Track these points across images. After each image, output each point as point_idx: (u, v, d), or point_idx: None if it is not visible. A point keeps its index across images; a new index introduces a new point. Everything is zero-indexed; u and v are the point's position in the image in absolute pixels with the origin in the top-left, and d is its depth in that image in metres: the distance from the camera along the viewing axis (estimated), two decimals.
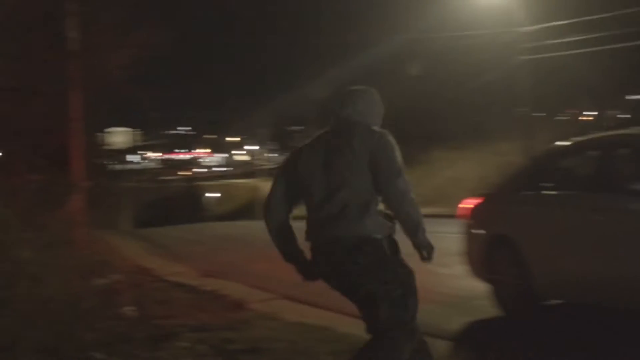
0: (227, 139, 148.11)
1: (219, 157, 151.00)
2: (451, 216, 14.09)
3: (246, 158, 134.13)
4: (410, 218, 5.91)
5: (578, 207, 9.62)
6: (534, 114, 48.73)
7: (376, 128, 6.03)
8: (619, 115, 61.34)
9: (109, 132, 63.83)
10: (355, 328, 10.04)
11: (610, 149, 9.91)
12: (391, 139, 5.94)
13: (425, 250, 6.09)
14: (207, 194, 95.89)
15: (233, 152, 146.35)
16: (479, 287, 11.31)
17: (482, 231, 11.25)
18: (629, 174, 9.40)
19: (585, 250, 9.43)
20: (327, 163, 5.95)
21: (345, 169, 5.85)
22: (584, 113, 63.84)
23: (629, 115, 60.59)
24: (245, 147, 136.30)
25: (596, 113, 63.20)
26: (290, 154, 6.38)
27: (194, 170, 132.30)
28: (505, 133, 42.33)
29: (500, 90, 43.82)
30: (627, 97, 63.19)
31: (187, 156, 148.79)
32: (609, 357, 8.23)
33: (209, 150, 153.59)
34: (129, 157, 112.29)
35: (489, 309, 10.76)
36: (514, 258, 10.35)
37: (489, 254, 10.85)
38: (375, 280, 5.82)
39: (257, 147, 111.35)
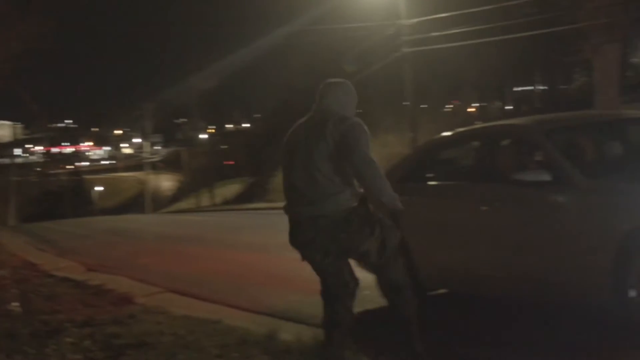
0: (114, 131, 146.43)
1: (104, 150, 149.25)
2: None
3: (130, 151, 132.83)
4: (375, 184, 6.83)
5: (461, 198, 9.76)
6: (421, 106, 49.42)
7: (349, 116, 6.95)
8: (505, 107, 62.52)
9: None
10: (243, 321, 10.09)
11: (493, 139, 10.09)
12: (362, 125, 6.86)
13: (391, 204, 6.99)
14: (95, 188, 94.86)
15: (118, 145, 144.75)
16: (367, 277, 11.37)
17: None
18: (510, 164, 9.55)
19: (470, 241, 9.56)
20: (307, 149, 6.89)
21: (322, 155, 6.78)
22: (470, 105, 64.84)
23: (512, 107, 61.82)
24: (133, 140, 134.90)
25: (481, 104, 64.28)
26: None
27: (79, 163, 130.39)
28: (391, 125, 42.71)
29: (386, 83, 44.25)
30: (514, 89, 64.51)
31: (72, 149, 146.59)
32: (494, 344, 8.36)
33: (91, 144, 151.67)
34: (16, 151, 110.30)
35: (375, 299, 10.83)
36: (399, 248, 10.40)
37: None
38: (365, 240, 7.00)
39: (141, 140, 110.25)
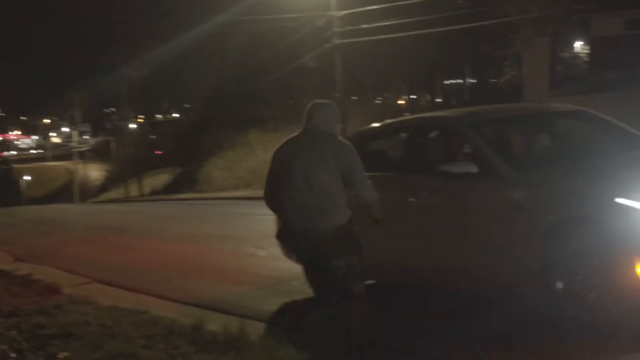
0: (43, 120, 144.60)
1: (32, 139, 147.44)
2: None
3: (58, 140, 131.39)
4: (374, 202, 7.87)
5: (389, 189, 9.75)
6: (352, 98, 49.55)
7: (341, 138, 7.83)
8: (435, 100, 62.89)
9: None
10: (169, 311, 10.05)
11: (421, 131, 10.15)
12: (354, 148, 7.77)
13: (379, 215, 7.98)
14: (23, 177, 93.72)
15: (46, 134, 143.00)
16: (296, 268, 11.39)
17: None
18: (438, 156, 9.61)
19: (398, 232, 9.59)
20: (308, 167, 7.46)
21: (324, 175, 7.42)
22: (400, 97, 65.11)
23: (441, 100, 62.24)
24: (62, 129, 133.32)
25: (411, 97, 64.56)
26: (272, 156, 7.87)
27: (7, 152, 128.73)
28: None
29: (317, 74, 44.25)
30: (445, 82, 64.94)
31: (0, 138, 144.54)
32: (422, 336, 8.43)
33: (19, 133, 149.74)
34: None
35: (304, 290, 10.84)
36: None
37: None
38: (344, 255, 7.45)
39: (69, 129, 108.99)
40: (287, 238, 7.85)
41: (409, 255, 9.49)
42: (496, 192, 8.42)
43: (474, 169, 8.62)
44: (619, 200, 7.25)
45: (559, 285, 7.67)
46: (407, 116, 11.52)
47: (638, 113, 24.53)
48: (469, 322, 8.29)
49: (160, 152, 78.15)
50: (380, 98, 60.84)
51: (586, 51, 66.82)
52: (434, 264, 9.18)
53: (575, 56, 77.63)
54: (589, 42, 58.59)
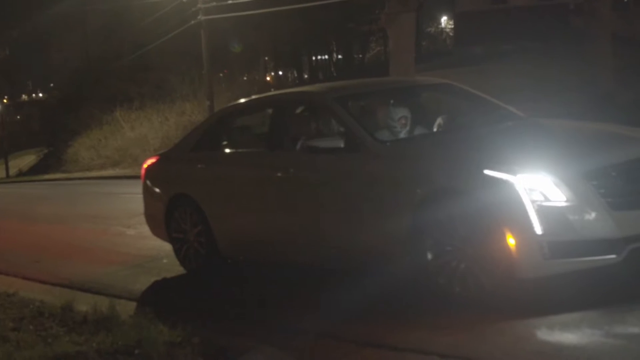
0: None
1: None
2: (136, 177, 14.03)
3: None
4: None
5: (256, 165, 9.80)
6: (220, 74, 49.35)
7: None
8: (304, 76, 63.12)
9: None
10: (39, 293, 9.95)
11: (286, 106, 10.17)
12: None
13: None
14: None
15: None
16: (166, 246, 11.37)
17: (161, 190, 11.23)
18: (305, 131, 9.67)
19: (266, 208, 9.63)
20: None
21: None
22: (267, 73, 65.15)
23: (308, 76, 62.51)
24: None
25: (277, 73, 64.70)
26: None
27: None
28: (189, 93, 42.51)
29: (184, 50, 43.95)
30: (312, 58, 65.16)
31: None
32: (275, 309, 8.56)
33: None
34: None
35: (174, 267, 10.85)
36: (196, 217, 10.42)
37: (169, 213, 10.86)
38: None
39: None
40: None
41: (279, 231, 9.50)
42: (363, 166, 8.44)
43: (340, 143, 8.66)
44: (488, 172, 7.39)
45: (430, 256, 7.75)
46: (274, 92, 11.59)
47: (503, 86, 25.16)
48: (339, 295, 8.37)
49: (25, 133, 76.64)
50: (247, 75, 60.74)
51: (451, 26, 67.98)
52: (305, 239, 9.20)
53: (441, 31, 78.94)
54: (454, 16, 59.62)
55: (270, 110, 10.32)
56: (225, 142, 10.85)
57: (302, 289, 9.22)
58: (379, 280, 8.22)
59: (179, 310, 8.75)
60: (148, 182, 11.49)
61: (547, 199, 7.10)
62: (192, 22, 36.28)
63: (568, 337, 6.48)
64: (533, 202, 7.07)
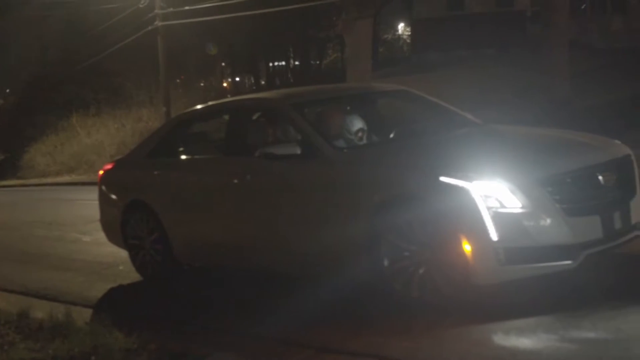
0: None
1: None
2: (92, 183, 13.94)
3: None
4: None
5: (213, 171, 9.77)
6: (177, 80, 49.16)
7: None
8: (261, 82, 63.08)
9: None
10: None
11: (243, 112, 10.12)
12: None
13: None
14: None
15: None
16: (122, 253, 11.32)
17: (117, 197, 11.16)
18: (262, 137, 9.66)
19: (223, 215, 9.60)
20: None
21: None
22: (224, 79, 65.05)
23: (264, 82, 62.50)
24: None
25: (234, 79, 64.62)
26: None
27: None
28: (146, 99, 42.35)
29: (141, 56, 43.79)
30: (269, 64, 65.21)
31: None
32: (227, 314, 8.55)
33: None
34: None
35: (130, 274, 10.80)
36: (152, 223, 10.37)
37: (125, 220, 10.82)
38: None
39: None
40: None
41: (236, 237, 9.46)
42: (320, 172, 8.43)
43: (297, 150, 8.65)
44: (443, 178, 7.40)
45: (387, 262, 7.75)
46: (231, 98, 11.55)
47: (459, 93, 25.27)
48: (298, 301, 8.36)
49: None
50: (204, 81, 60.59)
51: (408, 33, 68.23)
52: (262, 245, 9.16)
53: (398, 38, 79.19)
54: (411, 23, 59.84)
55: (227, 117, 10.29)
56: (181, 149, 10.80)
57: (260, 295, 9.18)
58: (338, 285, 8.16)
59: (135, 317, 8.72)
60: (104, 189, 11.42)
61: (502, 206, 7.13)
62: (149, 27, 36.12)
63: (524, 342, 6.53)
64: (489, 208, 7.10)
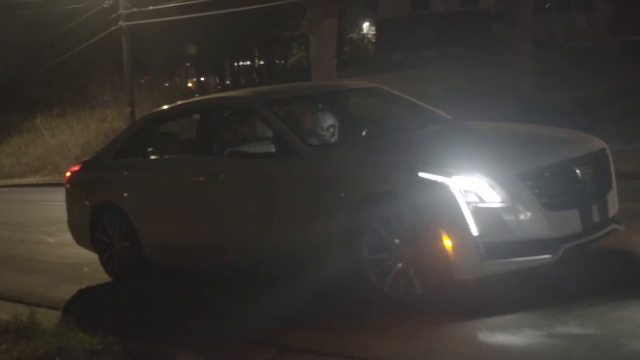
0: None
1: None
2: (57, 184, 13.77)
3: None
4: None
5: (183, 171, 9.62)
6: (141, 81, 48.92)
7: None
8: (226, 82, 63.07)
9: None
10: None
11: (213, 112, 9.99)
12: None
13: None
14: None
15: None
16: (87, 254, 11.18)
17: (85, 199, 10.97)
18: (233, 136, 9.55)
19: (194, 215, 9.47)
20: None
21: None
22: (189, 79, 65.00)
23: (229, 82, 62.48)
24: None
25: (199, 79, 64.57)
26: None
27: None
28: (110, 99, 42.17)
29: (105, 57, 43.59)
30: (234, 64, 65.21)
31: None
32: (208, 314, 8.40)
33: None
34: None
35: (96, 275, 10.66)
36: (121, 224, 10.22)
37: (93, 221, 10.64)
38: None
39: None
40: None
41: (208, 237, 9.34)
42: (296, 170, 8.34)
43: (271, 148, 8.56)
44: (422, 174, 7.32)
45: (365, 259, 7.66)
46: (200, 97, 11.40)
47: (424, 92, 25.22)
48: (273, 300, 8.32)
49: None
50: (172, 80, 60.44)
51: (373, 32, 68.33)
52: (236, 245, 9.05)
53: (363, 37, 79.29)
54: (376, 23, 59.92)
55: (197, 116, 10.13)
56: (150, 149, 10.64)
57: (233, 295, 9.08)
58: (315, 284, 8.05)
59: (100, 318, 8.63)
60: (71, 191, 11.26)
61: (482, 201, 7.09)
62: (113, 27, 35.90)
63: (510, 339, 6.45)
64: (468, 203, 7.06)
